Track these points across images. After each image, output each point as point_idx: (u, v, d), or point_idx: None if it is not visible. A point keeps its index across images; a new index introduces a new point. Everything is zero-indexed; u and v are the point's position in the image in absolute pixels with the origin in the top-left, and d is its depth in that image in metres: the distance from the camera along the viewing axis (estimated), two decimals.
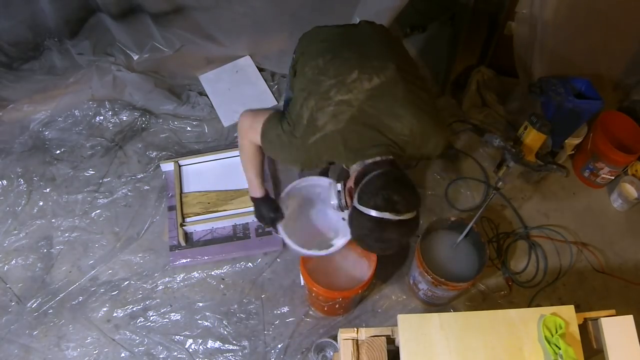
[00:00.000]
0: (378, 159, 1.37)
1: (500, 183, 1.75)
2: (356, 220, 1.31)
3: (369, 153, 1.37)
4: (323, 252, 1.67)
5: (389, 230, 1.27)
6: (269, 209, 1.68)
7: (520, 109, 2.59)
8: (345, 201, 1.43)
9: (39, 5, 2.35)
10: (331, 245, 1.68)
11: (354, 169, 1.40)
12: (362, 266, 2.06)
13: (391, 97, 1.36)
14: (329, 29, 1.63)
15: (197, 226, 2.23)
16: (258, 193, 1.69)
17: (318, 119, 1.35)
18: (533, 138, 1.69)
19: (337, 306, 2.00)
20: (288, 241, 1.65)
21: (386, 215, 1.25)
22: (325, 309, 2.05)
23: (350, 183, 1.40)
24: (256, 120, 1.50)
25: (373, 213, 1.26)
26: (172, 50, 2.60)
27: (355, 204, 1.31)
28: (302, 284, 1.96)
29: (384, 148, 1.37)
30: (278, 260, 2.23)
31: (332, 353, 2.00)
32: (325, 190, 1.71)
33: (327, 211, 1.84)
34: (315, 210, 1.88)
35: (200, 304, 2.12)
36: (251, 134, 1.53)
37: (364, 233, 1.31)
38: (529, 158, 1.72)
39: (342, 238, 1.69)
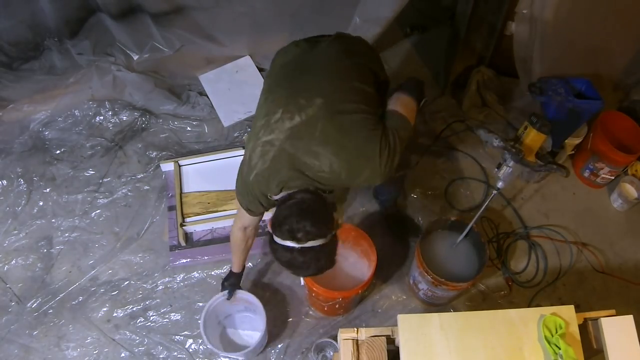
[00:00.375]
0: (296, 190, 1.46)
1: (501, 183, 1.75)
2: (270, 244, 1.43)
3: (292, 186, 1.46)
4: (239, 353, 1.90)
5: (294, 256, 1.36)
6: (233, 281, 1.93)
7: (520, 109, 2.59)
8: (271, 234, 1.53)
9: (38, 5, 2.35)
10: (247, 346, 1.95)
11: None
12: (362, 266, 2.06)
13: (309, 136, 1.41)
14: (294, 50, 1.66)
15: (197, 226, 2.23)
16: (234, 269, 1.92)
17: (252, 159, 1.47)
18: (533, 138, 1.69)
19: (337, 306, 2.00)
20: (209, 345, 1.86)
21: (288, 243, 1.36)
22: (325, 309, 2.05)
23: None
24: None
25: (278, 240, 1.38)
26: (172, 50, 2.60)
27: (270, 229, 1.43)
28: (302, 284, 1.96)
29: (301, 183, 1.45)
30: None
31: (332, 353, 2.00)
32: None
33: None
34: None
35: (200, 304, 2.12)
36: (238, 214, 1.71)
37: (276, 257, 1.42)
38: (529, 158, 1.72)
39: (259, 334, 1.90)
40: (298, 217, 1.36)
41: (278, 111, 1.44)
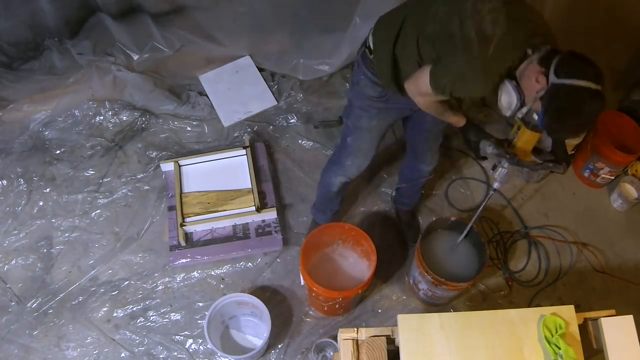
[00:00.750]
0: (547, 47, 1.39)
1: (497, 184, 1.74)
2: (555, 97, 1.30)
3: (536, 42, 1.38)
4: (238, 357, 1.88)
5: (588, 101, 1.27)
6: (474, 133, 1.71)
7: None
8: (521, 97, 1.42)
9: (38, 5, 2.35)
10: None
11: (522, 68, 1.41)
12: (362, 266, 2.06)
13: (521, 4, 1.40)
14: None
15: (197, 226, 2.23)
16: (460, 122, 1.70)
17: (486, 30, 1.34)
18: (527, 138, 1.67)
19: (337, 306, 2.00)
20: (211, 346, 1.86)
21: (589, 84, 1.25)
22: (325, 308, 2.05)
23: (532, 72, 1.38)
24: (419, 85, 1.50)
25: (580, 83, 1.26)
26: (172, 50, 2.60)
27: (553, 79, 1.30)
28: (302, 283, 1.97)
29: (542, 34, 1.39)
30: (278, 260, 2.23)
31: (332, 353, 2.00)
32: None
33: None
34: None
35: (200, 304, 2.12)
36: (426, 98, 1.55)
37: (564, 108, 1.30)
38: (525, 158, 1.70)
39: (261, 341, 1.91)
40: (586, 61, 1.31)
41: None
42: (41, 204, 2.33)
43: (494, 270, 2.25)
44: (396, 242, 2.30)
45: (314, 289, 1.84)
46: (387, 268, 2.21)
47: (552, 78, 1.31)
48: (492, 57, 1.36)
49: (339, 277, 2.08)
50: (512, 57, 1.39)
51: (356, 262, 2.10)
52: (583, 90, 1.27)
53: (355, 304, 2.12)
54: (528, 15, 1.40)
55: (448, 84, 1.43)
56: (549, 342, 1.27)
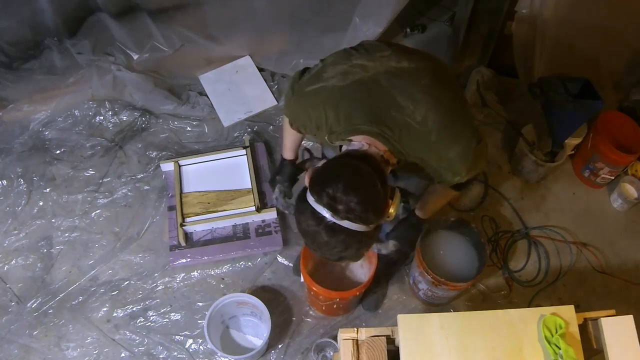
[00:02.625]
0: (358, 145, 1.20)
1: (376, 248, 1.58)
2: (298, 201, 1.16)
3: (358, 126, 1.20)
4: (237, 357, 1.86)
5: (321, 229, 1.10)
6: (287, 171, 1.65)
7: (520, 109, 2.59)
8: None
9: (38, 4, 2.35)
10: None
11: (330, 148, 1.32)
12: (363, 268, 2.06)
13: (413, 81, 1.20)
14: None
15: (197, 226, 2.23)
16: (285, 154, 1.65)
17: (326, 72, 1.25)
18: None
19: (335, 306, 2.00)
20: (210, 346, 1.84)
21: (321, 210, 1.08)
22: (324, 308, 2.05)
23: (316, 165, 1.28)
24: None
25: (310, 201, 1.10)
26: (172, 50, 2.60)
27: (306, 182, 1.17)
28: (302, 280, 1.96)
29: (376, 129, 1.19)
30: (278, 260, 2.23)
31: (332, 353, 2.00)
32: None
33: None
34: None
35: (200, 304, 2.12)
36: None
37: (299, 220, 1.15)
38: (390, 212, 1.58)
39: (261, 341, 1.89)
40: (348, 186, 1.08)
41: (387, 50, 1.25)
42: (41, 204, 2.33)
43: (494, 270, 2.25)
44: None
45: (314, 288, 1.84)
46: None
47: (307, 181, 1.17)
48: (308, 93, 1.29)
49: (341, 278, 2.08)
50: (325, 118, 1.26)
51: (358, 264, 2.09)
52: (314, 214, 1.10)
53: (355, 305, 2.12)
54: (393, 100, 1.22)
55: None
56: (549, 342, 1.27)
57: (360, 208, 1.08)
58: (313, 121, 1.29)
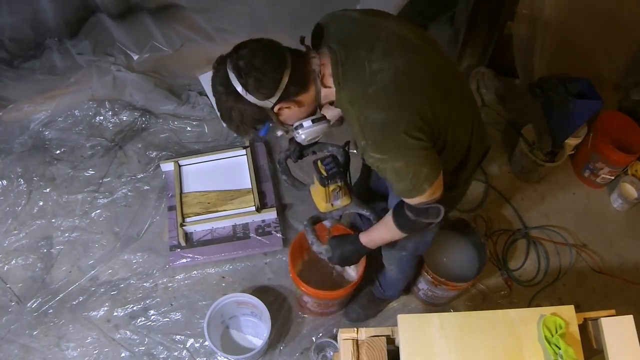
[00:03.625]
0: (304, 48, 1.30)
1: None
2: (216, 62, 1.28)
3: (327, 39, 1.29)
4: (238, 357, 1.87)
5: (220, 72, 1.22)
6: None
7: (520, 109, 2.60)
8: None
9: (40, 4, 2.35)
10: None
11: None
12: (354, 270, 2.07)
13: (406, 49, 1.23)
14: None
15: (197, 226, 2.23)
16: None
17: (357, 6, 1.35)
18: (314, 191, 1.50)
19: (320, 304, 1.99)
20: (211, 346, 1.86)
21: (229, 70, 1.20)
22: (312, 309, 2.06)
23: None
24: None
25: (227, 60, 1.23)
26: (172, 49, 2.60)
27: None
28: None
29: (335, 48, 1.25)
30: (278, 260, 2.23)
31: (332, 353, 2.00)
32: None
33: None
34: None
35: (201, 304, 2.12)
36: None
37: (212, 77, 1.27)
38: (317, 205, 1.53)
39: (261, 341, 1.91)
40: (254, 49, 1.21)
41: (418, 29, 1.32)
42: (41, 204, 2.33)
43: (493, 270, 2.25)
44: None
45: (302, 288, 1.84)
46: None
47: None
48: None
49: (333, 278, 2.08)
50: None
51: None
52: (222, 73, 1.23)
53: (344, 305, 2.10)
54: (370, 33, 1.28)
55: None
56: (549, 342, 1.27)
57: (249, 69, 1.17)
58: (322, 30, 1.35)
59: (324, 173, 1.42)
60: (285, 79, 1.19)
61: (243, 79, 1.17)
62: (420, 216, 1.29)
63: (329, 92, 1.27)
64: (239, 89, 1.18)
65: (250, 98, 1.19)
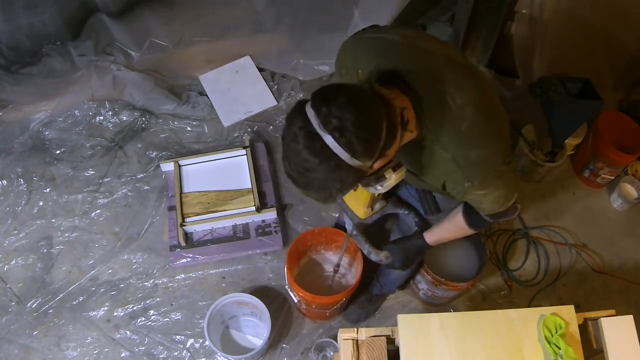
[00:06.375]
0: (385, 92, 1.05)
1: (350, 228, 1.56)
2: (294, 106, 1.02)
3: (397, 78, 1.11)
4: (238, 357, 1.86)
5: (302, 132, 0.95)
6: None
7: (520, 109, 2.59)
8: None
9: (38, 9, 2.35)
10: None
11: None
12: (351, 272, 2.07)
13: (465, 74, 1.16)
14: None
15: (197, 226, 2.23)
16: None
17: (391, 29, 1.27)
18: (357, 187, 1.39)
19: (313, 307, 1.98)
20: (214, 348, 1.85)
21: (312, 119, 0.94)
22: (304, 310, 2.06)
23: None
24: None
25: (307, 106, 0.97)
26: (171, 44, 2.60)
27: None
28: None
29: (413, 87, 1.09)
30: (278, 260, 2.23)
31: (332, 353, 2.00)
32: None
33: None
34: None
35: (201, 304, 2.12)
36: None
37: (286, 120, 1.01)
38: (355, 211, 1.48)
39: (261, 341, 1.90)
40: (350, 103, 0.94)
41: (446, 44, 1.23)
42: (41, 204, 2.33)
43: (494, 270, 2.25)
44: None
45: (299, 294, 1.84)
46: None
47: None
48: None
49: (326, 283, 2.08)
50: (361, 56, 1.26)
51: (348, 268, 2.10)
52: (296, 118, 0.97)
53: (339, 312, 2.10)
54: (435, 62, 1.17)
55: None
56: (549, 342, 1.27)
57: (352, 129, 0.93)
58: (357, 63, 1.21)
59: None
60: (384, 133, 0.99)
61: (348, 143, 0.94)
62: (500, 217, 1.31)
63: (408, 137, 1.12)
64: (345, 156, 0.95)
65: (355, 163, 0.97)
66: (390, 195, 1.53)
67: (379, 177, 1.17)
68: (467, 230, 1.38)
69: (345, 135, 0.93)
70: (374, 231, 1.64)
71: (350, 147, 0.94)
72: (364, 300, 2.08)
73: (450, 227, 1.43)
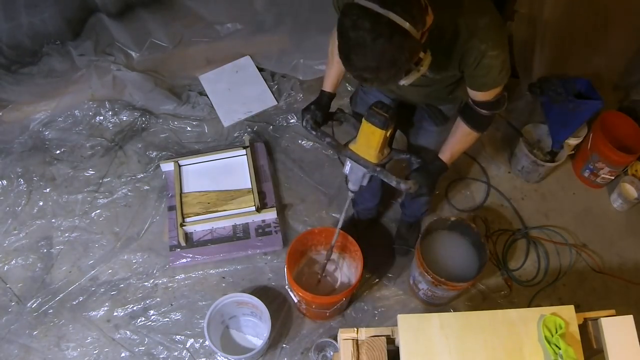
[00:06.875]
0: None
1: (350, 184, 1.58)
2: (343, 10, 1.10)
3: None
4: (238, 357, 1.87)
5: (365, 20, 1.04)
6: (316, 102, 1.60)
7: (520, 109, 2.59)
8: None
9: (38, 9, 2.35)
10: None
11: None
12: (350, 271, 2.07)
13: None
14: None
15: (197, 226, 2.23)
16: (325, 87, 1.63)
17: None
18: (366, 132, 1.42)
19: (313, 306, 1.99)
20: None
21: (367, 3, 1.04)
22: (307, 313, 2.06)
23: None
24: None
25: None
26: (171, 45, 2.60)
27: None
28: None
29: None
30: (278, 260, 2.23)
31: (332, 353, 2.00)
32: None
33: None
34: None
35: (201, 304, 2.12)
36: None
37: (341, 17, 1.09)
38: (368, 156, 1.46)
39: (261, 341, 1.91)
40: None
41: None
42: (41, 204, 2.33)
43: (494, 270, 2.25)
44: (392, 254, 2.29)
45: (300, 294, 1.84)
46: (387, 268, 2.21)
47: None
48: None
49: (328, 282, 2.08)
50: None
51: (349, 267, 2.10)
52: (361, 10, 1.05)
53: (341, 311, 2.10)
54: None
55: None
56: (549, 342, 1.27)
57: (403, 3, 1.05)
58: None
59: (385, 114, 1.35)
60: (423, 1, 1.12)
61: (407, 14, 1.04)
62: (494, 108, 1.40)
63: (429, 19, 1.18)
64: (407, 26, 1.05)
65: (413, 32, 1.06)
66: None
67: (417, 60, 1.21)
68: (473, 134, 1.47)
69: (402, 8, 1.04)
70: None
71: (411, 17, 1.05)
72: (404, 231, 2.25)
73: (457, 139, 1.51)
